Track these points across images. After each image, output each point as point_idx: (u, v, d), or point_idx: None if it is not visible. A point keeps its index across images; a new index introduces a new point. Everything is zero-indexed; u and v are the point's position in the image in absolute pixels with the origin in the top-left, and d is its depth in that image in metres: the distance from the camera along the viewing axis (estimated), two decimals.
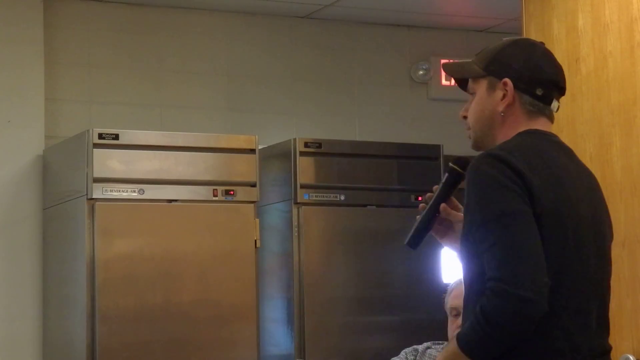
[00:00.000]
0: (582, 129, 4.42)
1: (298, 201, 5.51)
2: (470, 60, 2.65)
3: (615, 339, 4.14)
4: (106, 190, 5.08)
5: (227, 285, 5.29)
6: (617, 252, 4.16)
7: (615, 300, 4.15)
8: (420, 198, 5.75)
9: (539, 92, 2.54)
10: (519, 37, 2.68)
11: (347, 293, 5.59)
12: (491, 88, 2.55)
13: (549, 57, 2.60)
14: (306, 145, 5.57)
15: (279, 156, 5.67)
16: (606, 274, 2.63)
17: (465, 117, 2.65)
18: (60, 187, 5.43)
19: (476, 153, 2.59)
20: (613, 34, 4.30)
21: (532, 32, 4.79)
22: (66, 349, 5.29)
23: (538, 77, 2.54)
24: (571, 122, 4.50)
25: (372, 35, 6.70)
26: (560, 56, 4.62)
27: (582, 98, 4.44)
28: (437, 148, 5.86)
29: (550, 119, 2.62)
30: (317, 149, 5.59)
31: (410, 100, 6.74)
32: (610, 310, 4.20)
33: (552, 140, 2.60)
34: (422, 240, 2.71)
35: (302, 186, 5.53)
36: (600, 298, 2.59)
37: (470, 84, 2.62)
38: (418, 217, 2.71)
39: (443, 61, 6.78)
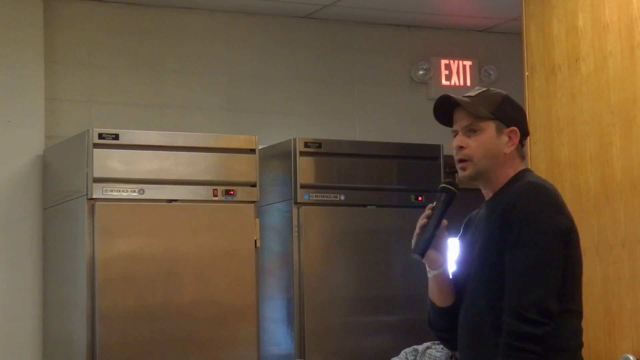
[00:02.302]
0: (582, 129, 4.42)
1: (298, 201, 5.51)
2: (469, 100, 3.10)
3: (615, 339, 4.15)
4: (106, 190, 5.08)
5: (227, 285, 5.29)
6: (617, 252, 4.17)
7: (615, 300, 4.16)
8: (420, 198, 5.75)
9: (523, 141, 3.13)
10: (506, 94, 3.16)
11: (347, 293, 5.59)
12: (499, 131, 3.05)
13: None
14: (306, 145, 5.57)
15: (279, 156, 5.67)
16: None
17: (461, 148, 3.04)
18: (60, 187, 5.43)
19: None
20: (613, 34, 4.30)
21: (532, 32, 4.78)
22: (66, 349, 5.28)
23: (525, 131, 3.14)
24: (571, 122, 4.50)
25: (372, 35, 6.70)
26: (560, 56, 4.62)
27: (582, 98, 4.44)
28: (437, 148, 5.86)
29: None
30: (317, 149, 5.59)
31: (410, 100, 6.74)
32: (610, 310, 4.21)
33: None
34: (427, 251, 3.06)
35: (302, 186, 5.52)
36: None
37: (473, 121, 3.07)
38: (418, 231, 3.07)
39: (443, 62, 6.83)
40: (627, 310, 4.10)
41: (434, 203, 3.05)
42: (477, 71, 6.88)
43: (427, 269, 3.10)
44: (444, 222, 3.06)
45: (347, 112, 6.58)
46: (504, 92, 3.16)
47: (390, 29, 6.74)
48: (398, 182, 5.79)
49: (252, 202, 5.37)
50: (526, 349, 2.83)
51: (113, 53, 6.08)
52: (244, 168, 5.38)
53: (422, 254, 3.03)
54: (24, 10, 5.73)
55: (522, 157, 3.11)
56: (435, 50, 6.81)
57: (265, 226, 5.55)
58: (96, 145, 5.08)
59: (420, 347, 3.78)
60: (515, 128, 3.06)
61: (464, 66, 6.86)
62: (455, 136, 3.11)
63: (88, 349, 5.00)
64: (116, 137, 5.14)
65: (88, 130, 5.11)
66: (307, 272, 5.49)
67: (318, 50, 6.57)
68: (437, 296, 3.12)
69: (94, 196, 5.05)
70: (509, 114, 3.08)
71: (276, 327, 5.60)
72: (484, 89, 3.14)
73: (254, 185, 5.38)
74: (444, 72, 6.81)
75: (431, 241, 3.04)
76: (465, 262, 3.09)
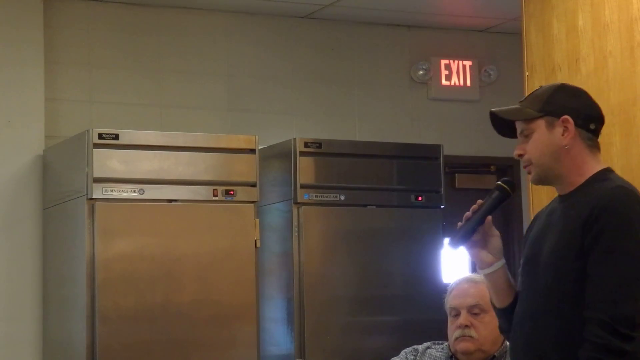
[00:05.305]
0: None
1: (298, 201, 5.51)
2: (518, 106, 2.95)
3: None
4: (106, 190, 5.08)
5: (227, 285, 5.29)
6: None
7: None
8: (420, 198, 5.75)
9: (592, 126, 2.89)
10: (561, 83, 3.00)
11: (347, 293, 5.59)
12: (550, 126, 2.87)
13: (591, 97, 2.96)
14: (306, 145, 5.57)
15: (279, 156, 5.67)
16: None
17: (520, 156, 2.91)
18: (60, 187, 5.43)
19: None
20: (613, 34, 4.30)
21: (532, 32, 4.79)
22: (66, 349, 5.29)
23: (590, 113, 2.90)
24: None
25: (372, 35, 6.70)
26: (560, 56, 4.63)
27: None
28: (437, 148, 5.86)
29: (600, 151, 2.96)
30: (317, 149, 5.59)
31: (410, 100, 6.74)
32: None
33: None
34: (464, 244, 2.95)
35: (302, 186, 5.52)
36: None
37: (524, 125, 2.90)
38: (460, 224, 2.95)
39: (443, 62, 6.83)
40: None
41: (485, 198, 2.93)
42: (477, 71, 6.88)
43: (477, 268, 2.96)
44: (489, 218, 2.90)
45: (347, 112, 6.58)
46: (560, 83, 3.00)
47: (390, 29, 6.74)
48: (398, 182, 5.79)
49: (252, 202, 5.37)
50: None
51: (113, 53, 6.08)
52: (244, 168, 5.38)
53: (456, 246, 2.91)
54: (24, 10, 5.73)
55: (593, 147, 2.88)
56: (435, 50, 6.81)
57: (265, 226, 5.55)
58: (96, 145, 5.08)
59: (420, 347, 3.78)
60: (567, 117, 2.84)
61: (464, 66, 6.85)
62: None
63: (88, 349, 5.00)
64: (116, 137, 5.14)
65: (88, 130, 5.11)
66: (307, 272, 5.49)
67: (318, 50, 6.57)
68: (494, 297, 2.98)
69: (94, 196, 5.05)
70: (561, 103, 2.87)
71: (276, 327, 5.60)
72: (539, 87, 2.98)
73: (253, 185, 5.38)
74: (444, 72, 6.81)
75: (471, 235, 2.90)
76: (531, 260, 2.90)
